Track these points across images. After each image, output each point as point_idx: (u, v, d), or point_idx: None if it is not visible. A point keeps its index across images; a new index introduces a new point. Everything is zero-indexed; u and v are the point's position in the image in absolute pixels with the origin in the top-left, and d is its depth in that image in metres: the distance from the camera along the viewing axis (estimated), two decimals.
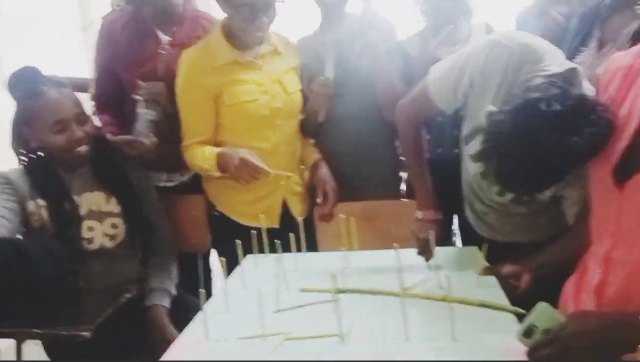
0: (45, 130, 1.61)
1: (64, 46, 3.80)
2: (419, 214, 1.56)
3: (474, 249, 1.61)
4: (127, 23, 1.86)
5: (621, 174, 1.01)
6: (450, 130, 1.87)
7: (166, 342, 1.54)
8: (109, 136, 1.84)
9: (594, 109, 1.04)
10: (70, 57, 3.72)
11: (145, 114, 1.78)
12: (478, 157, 1.27)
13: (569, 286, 1.20)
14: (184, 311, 1.55)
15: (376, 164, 1.93)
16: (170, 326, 1.61)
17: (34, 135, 1.64)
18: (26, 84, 1.63)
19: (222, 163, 1.71)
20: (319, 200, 1.86)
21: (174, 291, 1.73)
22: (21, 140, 1.68)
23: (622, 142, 1.01)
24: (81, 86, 1.99)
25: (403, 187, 2.02)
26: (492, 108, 1.17)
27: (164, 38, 1.86)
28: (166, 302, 1.68)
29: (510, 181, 1.15)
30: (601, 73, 1.16)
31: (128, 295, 1.65)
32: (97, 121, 1.85)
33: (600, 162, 1.06)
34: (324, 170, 1.89)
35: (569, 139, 1.01)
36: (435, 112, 1.49)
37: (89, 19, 3.74)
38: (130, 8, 1.90)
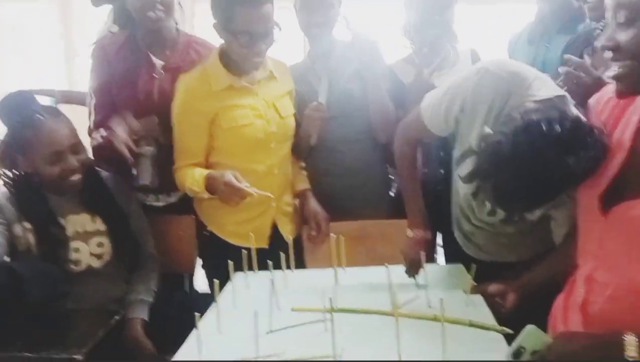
0: (41, 161, 1.61)
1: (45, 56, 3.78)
2: (410, 233, 1.60)
3: (459, 266, 1.65)
4: (121, 47, 1.86)
5: (607, 202, 1.04)
6: (437, 151, 1.92)
7: (141, 354, 1.58)
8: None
9: (589, 132, 1.08)
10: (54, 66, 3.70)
11: (144, 152, 1.79)
12: (471, 177, 1.31)
13: (558, 304, 1.24)
14: (171, 307, 1.64)
15: (366, 185, 1.97)
16: (145, 339, 1.62)
17: (28, 164, 1.63)
18: (21, 111, 1.61)
19: (209, 185, 1.72)
20: (313, 233, 1.90)
21: (151, 300, 1.72)
22: (11, 164, 1.67)
23: (610, 170, 1.05)
24: (79, 99, 1.98)
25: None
26: (487, 130, 1.21)
27: (158, 62, 1.87)
28: (143, 314, 1.68)
29: (505, 200, 1.19)
30: (593, 102, 1.21)
31: (118, 317, 1.65)
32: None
33: (589, 188, 1.09)
34: (314, 202, 1.94)
35: (567, 160, 1.05)
36: (430, 136, 1.53)
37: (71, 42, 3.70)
38: (123, 33, 1.90)
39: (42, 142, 1.60)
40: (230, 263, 1.49)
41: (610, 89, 1.15)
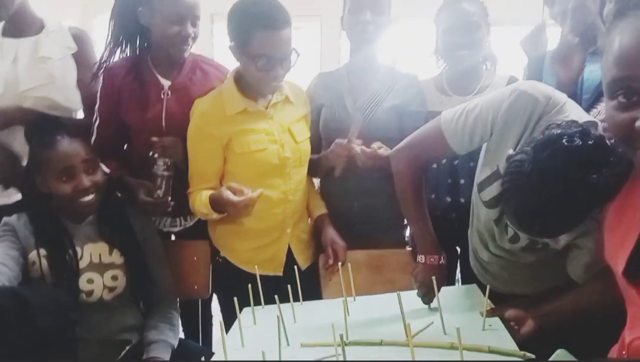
0: (54, 178, 1.61)
1: None
2: (420, 258, 1.54)
3: (474, 287, 1.59)
4: (130, 70, 1.85)
5: (632, 275, 0.97)
6: (445, 178, 1.87)
7: None
8: (128, 178, 1.83)
9: (613, 151, 1.03)
10: None
11: (162, 172, 1.77)
12: (496, 201, 1.26)
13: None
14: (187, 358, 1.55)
15: (386, 207, 1.88)
16: None
17: (44, 183, 1.64)
18: (43, 134, 1.64)
19: (215, 206, 1.71)
20: (330, 261, 1.84)
21: (174, 342, 1.69)
22: (29, 186, 1.68)
23: (628, 244, 0.97)
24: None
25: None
26: (510, 152, 1.17)
27: (165, 83, 1.86)
28: (166, 355, 1.63)
29: (527, 223, 1.14)
30: None
31: (128, 347, 1.63)
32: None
33: (613, 260, 1.02)
34: (331, 229, 1.89)
35: (589, 176, 1.01)
36: (446, 152, 1.46)
37: None
38: (132, 56, 1.89)
39: (54, 158, 1.60)
40: (235, 299, 1.44)
41: None
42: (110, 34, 1.87)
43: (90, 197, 1.64)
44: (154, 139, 1.79)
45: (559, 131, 1.09)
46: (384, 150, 1.71)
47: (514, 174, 1.13)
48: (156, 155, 1.78)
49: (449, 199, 1.85)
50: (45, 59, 1.88)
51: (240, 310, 1.47)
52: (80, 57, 1.95)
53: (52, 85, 1.88)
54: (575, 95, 1.68)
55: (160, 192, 1.77)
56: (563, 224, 1.13)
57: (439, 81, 1.96)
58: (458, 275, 2.00)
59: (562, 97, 1.28)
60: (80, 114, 2.01)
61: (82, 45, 1.96)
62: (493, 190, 1.37)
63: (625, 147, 0.89)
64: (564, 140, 1.05)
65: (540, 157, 1.07)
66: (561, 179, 1.04)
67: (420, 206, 1.55)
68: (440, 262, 1.52)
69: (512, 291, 1.53)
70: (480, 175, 1.44)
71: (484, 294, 1.40)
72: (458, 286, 1.84)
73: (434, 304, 1.48)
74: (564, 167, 1.04)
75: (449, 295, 1.55)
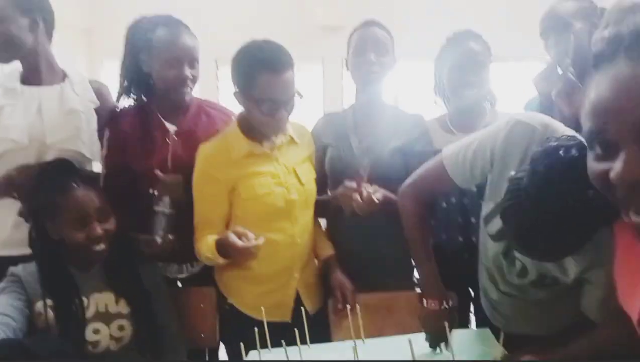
0: (67, 226, 1.61)
1: None
2: (425, 303, 1.51)
3: (486, 331, 1.55)
4: (135, 116, 1.88)
5: None
6: (455, 217, 1.85)
7: None
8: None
9: None
10: None
11: (163, 210, 1.76)
12: (502, 233, 1.25)
13: None
14: None
15: (392, 252, 1.87)
16: None
17: (55, 229, 1.63)
18: (57, 180, 1.64)
19: (221, 250, 1.69)
20: (339, 305, 1.82)
21: None
22: (39, 231, 1.66)
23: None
24: None
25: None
26: (513, 173, 1.17)
27: (171, 128, 1.88)
28: None
29: (529, 240, 1.12)
30: None
31: None
32: None
33: (631, 304, 0.98)
34: (339, 272, 1.87)
35: (586, 191, 0.98)
36: (450, 187, 1.46)
37: None
38: (137, 103, 1.92)
39: (70, 205, 1.60)
40: (242, 345, 1.41)
41: None
42: (119, 82, 1.90)
43: (102, 245, 1.63)
44: (158, 173, 1.78)
45: (555, 143, 1.09)
46: (380, 195, 1.70)
47: (513, 191, 1.13)
48: (156, 192, 1.77)
49: (461, 239, 1.84)
50: (73, 111, 1.89)
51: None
52: (102, 111, 1.97)
53: (79, 138, 1.89)
54: (579, 130, 1.69)
55: (161, 233, 1.75)
56: (563, 242, 1.12)
57: (443, 120, 1.97)
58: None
59: (560, 126, 1.28)
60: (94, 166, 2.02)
61: (103, 100, 1.98)
62: (498, 222, 1.34)
63: (608, 196, 0.88)
64: (560, 152, 1.05)
65: (537, 170, 1.07)
66: (558, 193, 1.03)
67: (423, 247, 1.54)
68: (442, 307, 1.48)
69: (524, 331, 1.50)
70: (485, 209, 1.44)
71: (497, 337, 1.37)
72: (470, 330, 1.79)
73: (444, 350, 1.45)
74: (560, 180, 1.03)
75: (461, 339, 1.50)
